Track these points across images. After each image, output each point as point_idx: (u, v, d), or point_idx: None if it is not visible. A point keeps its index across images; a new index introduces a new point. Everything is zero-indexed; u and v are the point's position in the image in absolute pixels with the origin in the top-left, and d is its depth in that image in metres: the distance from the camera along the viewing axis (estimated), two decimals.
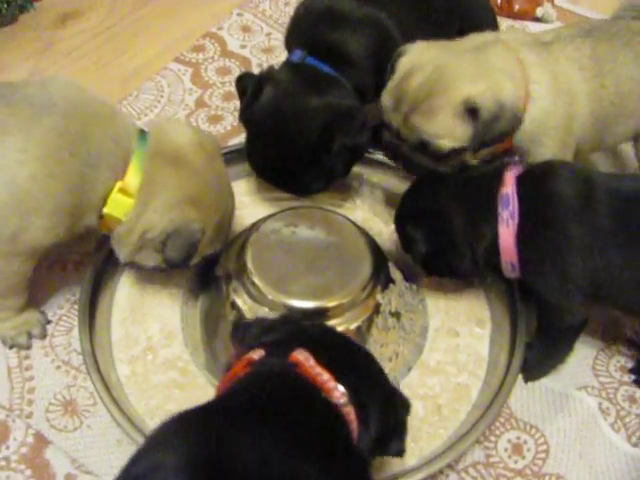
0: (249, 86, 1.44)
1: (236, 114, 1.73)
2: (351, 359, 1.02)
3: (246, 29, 2.10)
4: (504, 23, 2.12)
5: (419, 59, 1.28)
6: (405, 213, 1.34)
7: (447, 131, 1.27)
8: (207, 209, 1.25)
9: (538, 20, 2.14)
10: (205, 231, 1.24)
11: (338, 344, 1.04)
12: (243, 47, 2.05)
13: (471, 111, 1.24)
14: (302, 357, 0.93)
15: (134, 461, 0.79)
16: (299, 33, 1.53)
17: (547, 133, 1.33)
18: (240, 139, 1.73)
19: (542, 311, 1.33)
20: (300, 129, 1.39)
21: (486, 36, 1.34)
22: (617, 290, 1.24)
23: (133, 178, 1.20)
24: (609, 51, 1.35)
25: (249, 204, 1.57)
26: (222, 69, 1.97)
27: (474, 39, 1.33)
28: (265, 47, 2.05)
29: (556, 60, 1.33)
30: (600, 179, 1.23)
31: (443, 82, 1.27)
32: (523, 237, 1.22)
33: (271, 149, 1.45)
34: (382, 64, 1.41)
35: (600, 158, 1.71)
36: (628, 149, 1.64)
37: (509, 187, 1.23)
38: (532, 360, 1.37)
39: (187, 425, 0.82)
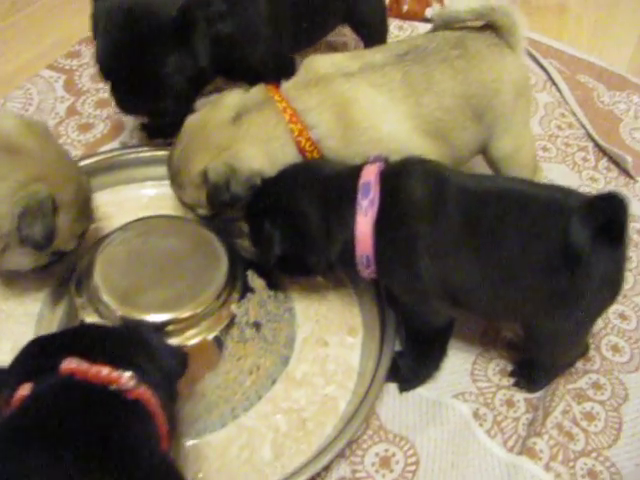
0: None
1: (108, 121, 1.65)
2: (119, 342, 1.00)
3: None
4: (392, 24, 2.06)
5: (184, 129, 1.30)
6: (261, 210, 1.25)
7: (197, 201, 1.29)
8: (53, 182, 1.20)
9: (428, 21, 2.09)
10: (57, 202, 1.19)
11: (101, 336, 1.02)
12: None
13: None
14: (74, 365, 0.89)
15: None
16: None
17: (354, 161, 1.27)
18: (110, 146, 1.66)
19: (404, 315, 1.27)
20: (154, 11, 1.32)
21: (255, 95, 1.33)
22: (474, 297, 1.17)
23: None
24: (422, 72, 1.31)
25: (114, 214, 1.47)
26: (97, 76, 1.85)
27: (239, 103, 1.31)
28: None
29: (341, 90, 1.29)
30: (454, 178, 1.17)
31: (187, 156, 1.28)
32: (379, 229, 1.15)
33: (124, 43, 1.35)
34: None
35: None
36: None
37: (371, 176, 1.17)
38: (405, 369, 1.30)
39: None
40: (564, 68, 2.05)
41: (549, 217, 1.11)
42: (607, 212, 1.06)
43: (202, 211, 1.31)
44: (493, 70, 1.35)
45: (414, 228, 1.13)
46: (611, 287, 1.15)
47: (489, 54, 1.35)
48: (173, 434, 0.99)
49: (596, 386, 1.35)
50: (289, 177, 1.23)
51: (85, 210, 1.29)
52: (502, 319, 1.34)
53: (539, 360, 1.30)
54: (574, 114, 1.93)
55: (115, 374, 0.90)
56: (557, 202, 1.12)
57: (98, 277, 1.21)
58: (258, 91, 1.34)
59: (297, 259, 1.22)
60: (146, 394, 0.92)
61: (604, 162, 1.83)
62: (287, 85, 1.34)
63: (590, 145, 1.86)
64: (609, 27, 2.32)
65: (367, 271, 1.19)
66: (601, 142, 1.83)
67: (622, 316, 1.46)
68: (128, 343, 1.01)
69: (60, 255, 1.28)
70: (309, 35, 1.66)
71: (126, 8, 1.34)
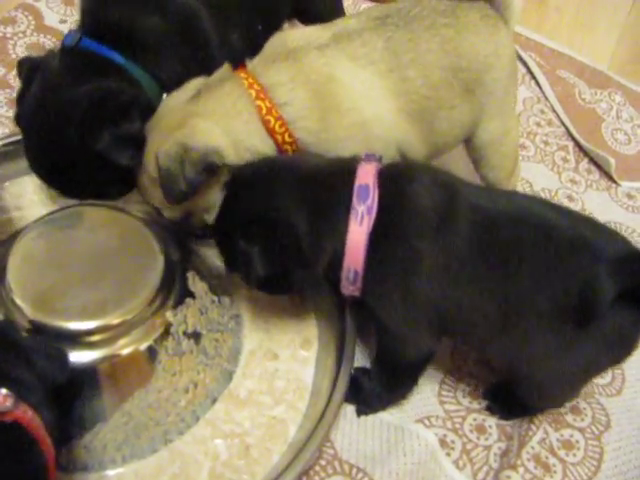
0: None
1: None
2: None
3: (69, 2, 1.81)
4: (364, 5, 1.90)
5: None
6: (231, 223, 1.04)
7: (160, 200, 1.12)
8: None
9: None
10: None
11: None
12: (63, 22, 1.78)
13: None
14: None
15: None
16: (82, 11, 1.25)
17: (336, 147, 1.12)
18: None
19: (382, 339, 1.11)
20: (59, 126, 1.14)
21: (217, 75, 1.15)
22: (468, 327, 1.03)
23: None
24: (407, 40, 1.14)
25: (36, 204, 1.28)
26: (35, 45, 1.70)
27: (201, 83, 1.14)
28: None
29: (316, 66, 1.12)
30: (465, 191, 1.01)
31: (145, 149, 1.13)
32: (374, 241, 0.98)
33: (43, 153, 1.20)
34: (187, 53, 1.21)
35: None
36: None
37: (369, 179, 0.99)
38: (369, 391, 1.15)
39: None
40: (544, 62, 1.92)
41: (573, 255, 0.95)
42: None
43: (168, 213, 1.14)
44: (487, 44, 1.20)
45: (417, 245, 0.96)
46: (623, 347, 1.01)
47: (483, 26, 1.20)
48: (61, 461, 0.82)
49: (575, 411, 1.22)
50: (263, 178, 1.02)
51: None
52: (494, 357, 1.18)
53: (521, 397, 1.15)
54: (554, 111, 1.80)
55: None
56: (585, 238, 0.97)
57: (11, 275, 1.02)
58: (221, 70, 1.16)
59: (282, 276, 1.03)
60: (27, 415, 0.76)
61: (585, 163, 1.70)
62: (253, 62, 1.16)
63: (570, 144, 1.74)
64: (590, 21, 2.20)
65: (351, 288, 1.02)
66: (583, 142, 1.71)
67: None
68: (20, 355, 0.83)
69: None
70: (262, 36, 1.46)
71: (38, 123, 1.18)
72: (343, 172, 1.01)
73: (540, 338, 0.98)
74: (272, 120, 1.10)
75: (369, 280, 1.01)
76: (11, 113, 1.52)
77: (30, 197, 1.33)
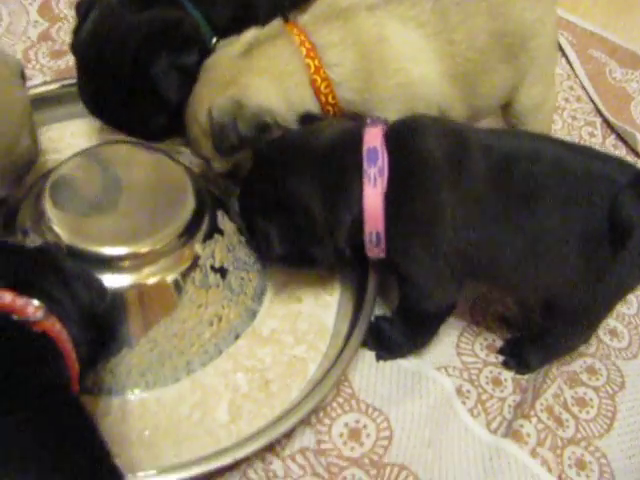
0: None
1: None
2: (27, 265, 0.86)
3: None
4: None
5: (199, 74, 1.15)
6: (251, 201, 1.09)
7: (210, 152, 1.14)
8: None
9: None
10: None
11: (5, 255, 0.87)
12: None
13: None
14: None
15: None
16: None
17: (378, 108, 1.14)
18: None
19: (405, 291, 1.13)
20: (116, 50, 1.16)
21: (270, 29, 1.16)
22: (496, 267, 1.04)
23: None
24: (456, 3, 1.16)
25: (73, 147, 1.32)
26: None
27: (253, 37, 1.15)
28: None
29: (368, 27, 1.13)
30: (475, 136, 1.03)
31: (195, 101, 1.14)
32: (391, 200, 1.00)
33: (94, 81, 1.22)
34: None
35: None
36: None
37: (376, 140, 1.01)
38: (390, 338, 1.17)
39: None
40: (575, 41, 1.92)
41: (592, 184, 0.97)
42: None
43: (217, 164, 1.16)
44: (534, 10, 1.21)
45: (435, 196, 0.98)
46: None
47: None
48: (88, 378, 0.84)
49: (591, 370, 1.23)
50: (277, 157, 1.05)
51: (11, 173, 1.11)
52: (524, 293, 1.19)
53: (542, 340, 1.17)
54: (583, 88, 1.80)
55: (20, 302, 0.76)
56: (599, 169, 0.99)
57: (48, 207, 1.06)
58: (273, 25, 1.16)
59: (301, 252, 1.06)
60: (55, 328, 0.79)
61: (612, 139, 1.71)
62: (305, 18, 1.17)
63: (598, 121, 1.74)
64: (625, 3, 2.19)
65: (376, 250, 1.05)
66: (610, 118, 1.71)
67: (623, 300, 1.33)
68: (38, 267, 0.86)
69: None
70: None
71: (94, 51, 1.20)
72: (350, 140, 1.03)
73: (568, 266, 1.00)
74: (319, 80, 1.12)
75: (392, 240, 1.03)
76: (52, 64, 1.57)
77: (68, 141, 1.37)
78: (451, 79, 1.18)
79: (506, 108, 1.33)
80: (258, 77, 1.10)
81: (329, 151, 1.03)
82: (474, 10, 1.16)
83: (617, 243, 0.96)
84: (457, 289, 1.09)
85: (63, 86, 1.37)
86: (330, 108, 1.14)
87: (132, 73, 1.15)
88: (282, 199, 1.02)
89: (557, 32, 1.31)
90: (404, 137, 1.03)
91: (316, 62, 1.12)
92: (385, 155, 1.00)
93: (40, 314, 0.78)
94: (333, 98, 1.13)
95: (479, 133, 1.06)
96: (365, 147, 1.01)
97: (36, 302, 0.78)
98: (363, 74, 1.13)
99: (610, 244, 0.97)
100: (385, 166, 0.99)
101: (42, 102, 1.37)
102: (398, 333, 1.16)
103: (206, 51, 1.18)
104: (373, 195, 0.99)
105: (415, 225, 1.02)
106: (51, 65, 1.58)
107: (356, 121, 1.09)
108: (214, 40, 1.20)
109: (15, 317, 0.76)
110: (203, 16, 1.23)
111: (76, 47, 1.23)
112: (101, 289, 0.94)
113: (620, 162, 1.04)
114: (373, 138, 1.02)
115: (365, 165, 1.00)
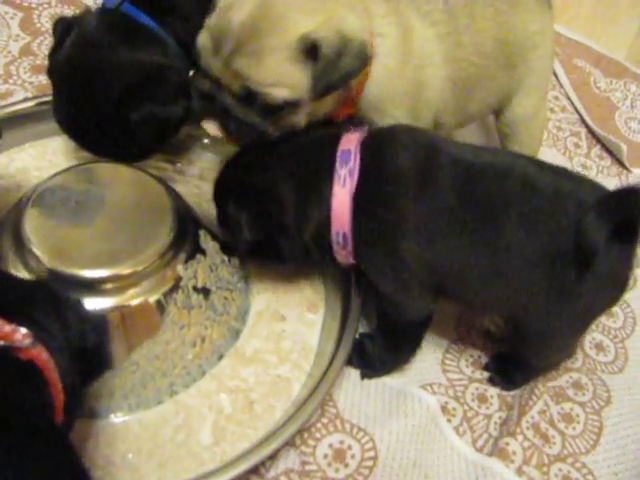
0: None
1: None
2: (19, 293, 0.87)
3: None
4: None
5: None
6: (226, 188, 1.10)
7: (280, 77, 1.02)
8: None
9: None
10: None
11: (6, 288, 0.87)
12: None
13: (309, 50, 1.00)
14: None
15: None
16: None
17: (393, 99, 1.13)
18: None
19: (380, 301, 1.13)
20: (99, 87, 1.15)
21: None
22: (462, 283, 1.04)
23: None
24: (464, 4, 1.15)
25: (55, 166, 1.31)
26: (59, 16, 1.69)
27: None
28: None
29: (405, 13, 1.12)
30: (447, 148, 1.03)
31: (273, 17, 1.01)
32: (358, 203, 1.00)
33: (73, 107, 1.21)
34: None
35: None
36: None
37: (351, 145, 1.02)
38: (373, 355, 1.17)
39: None
40: (560, 51, 1.92)
41: (560, 204, 0.97)
42: (625, 210, 0.93)
43: (277, 91, 1.02)
44: (536, 22, 1.23)
45: (398, 204, 0.98)
46: (617, 286, 1.02)
47: (534, 4, 1.23)
48: (74, 411, 0.83)
49: (577, 386, 1.23)
50: (257, 149, 1.06)
51: None
52: (491, 312, 1.19)
53: (521, 358, 1.17)
54: (568, 98, 1.80)
55: (7, 328, 0.76)
56: (568, 189, 0.99)
57: (28, 226, 1.05)
58: None
59: (269, 244, 1.06)
60: (42, 356, 0.78)
61: (597, 150, 1.71)
62: None
63: (583, 131, 1.75)
64: (609, 12, 2.19)
65: (343, 252, 1.04)
66: (595, 128, 1.71)
67: (608, 313, 1.33)
68: (31, 296, 0.86)
69: None
70: None
71: (72, 78, 1.19)
72: (328, 143, 1.04)
73: (535, 286, 0.99)
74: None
75: (358, 242, 1.03)
76: (34, 79, 1.56)
77: (49, 158, 1.36)
78: (452, 85, 1.18)
79: (499, 117, 1.33)
80: (351, 13, 1.03)
81: (307, 150, 1.05)
82: (481, 14, 1.16)
83: (582, 264, 0.95)
84: (430, 303, 1.08)
85: (43, 103, 1.34)
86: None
87: (113, 113, 1.15)
88: (256, 187, 1.03)
89: (553, 46, 1.32)
90: (377, 145, 1.04)
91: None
92: (357, 159, 1.01)
93: (27, 342, 0.77)
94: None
95: (453, 145, 1.06)
96: (339, 149, 1.02)
97: (24, 330, 0.78)
98: (399, 57, 1.10)
99: (575, 265, 0.96)
100: (356, 169, 1.00)
101: (23, 119, 1.37)
102: (380, 348, 1.16)
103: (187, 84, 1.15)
104: (341, 194, 1.00)
105: (378, 233, 1.02)
106: (32, 80, 1.56)
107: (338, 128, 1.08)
108: (191, 73, 1.19)
109: (1, 343, 0.75)
110: (175, 41, 1.22)
111: (53, 72, 1.22)
112: (94, 322, 0.93)
113: (592, 184, 1.03)
114: (349, 142, 1.03)
115: (337, 165, 1.01)
